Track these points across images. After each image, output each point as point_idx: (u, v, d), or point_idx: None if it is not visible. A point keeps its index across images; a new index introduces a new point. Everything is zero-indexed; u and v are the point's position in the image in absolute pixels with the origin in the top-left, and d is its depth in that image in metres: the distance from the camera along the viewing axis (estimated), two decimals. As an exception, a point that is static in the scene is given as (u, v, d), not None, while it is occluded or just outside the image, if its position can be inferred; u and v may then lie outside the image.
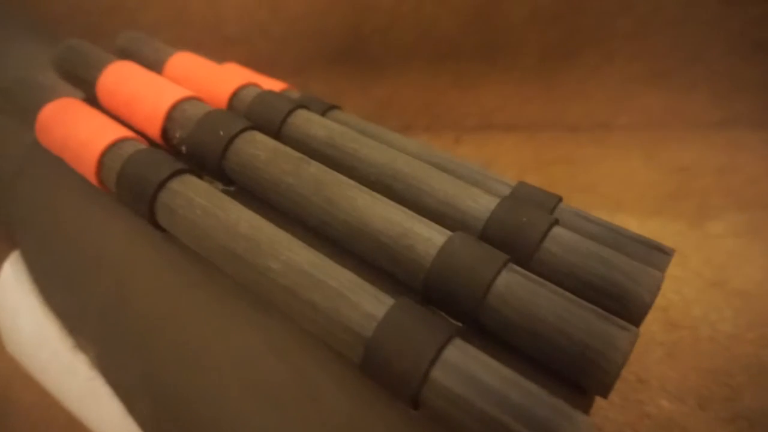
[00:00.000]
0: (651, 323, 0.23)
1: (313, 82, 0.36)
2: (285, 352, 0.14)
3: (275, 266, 0.14)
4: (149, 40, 0.23)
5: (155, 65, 0.22)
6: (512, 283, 0.13)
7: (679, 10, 0.29)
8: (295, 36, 0.34)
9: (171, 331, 0.16)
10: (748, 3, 0.28)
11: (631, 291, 0.14)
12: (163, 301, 0.16)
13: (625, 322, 0.13)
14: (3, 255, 0.21)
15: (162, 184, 0.16)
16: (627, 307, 0.14)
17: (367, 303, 0.13)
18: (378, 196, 0.15)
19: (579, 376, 0.13)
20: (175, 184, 0.16)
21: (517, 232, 0.15)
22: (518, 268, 0.14)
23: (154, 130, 0.18)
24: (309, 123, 0.19)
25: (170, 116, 0.18)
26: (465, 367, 0.12)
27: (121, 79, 0.19)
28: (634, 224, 0.25)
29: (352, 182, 0.16)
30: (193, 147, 0.17)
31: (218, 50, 0.34)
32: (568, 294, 0.13)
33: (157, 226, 0.16)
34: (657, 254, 0.16)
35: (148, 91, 0.18)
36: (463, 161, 0.19)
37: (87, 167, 0.17)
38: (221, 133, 0.17)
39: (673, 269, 0.17)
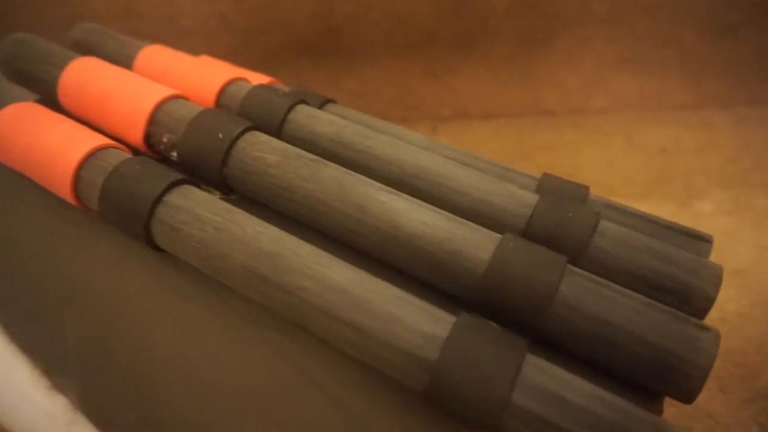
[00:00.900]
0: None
1: (279, 75, 0.34)
2: (322, 384, 0.13)
3: (308, 285, 0.12)
4: (111, 32, 0.20)
5: (123, 61, 0.19)
6: (578, 288, 0.12)
7: (652, -7, 0.29)
8: (260, 27, 0.32)
9: (177, 364, 0.14)
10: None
11: (693, 286, 0.13)
12: (164, 330, 0.14)
13: (702, 322, 0.12)
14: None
15: (158, 199, 0.13)
16: (689, 303, 0.13)
17: (426, 322, 0.11)
18: (411, 198, 0.14)
19: (659, 384, 0.12)
20: (174, 198, 0.14)
21: (563, 229, 0.14)
22: (578, 270, 0.13)
23: (135, 135, 0.16)
24: (313, 119, 0.17)
25: (154, 119, 0.16)
26: (547, 386, 0.10)
27: (88, 77, 0.16)
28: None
29: (378, 184, 0.14)
30: (187, 153, 0.15)
31: (173, 44, 0.31)
32: (636, 295, 0.12)
33: (153, 246, 0.14)
34: (698, 243, 0.15)
35: (124, 90, 0.16)
36: (476, 154, 0.18)
37: (59, 183, 0.15)
38: (220, 135, 0.15)
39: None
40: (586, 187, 0.17)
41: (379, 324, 0.11)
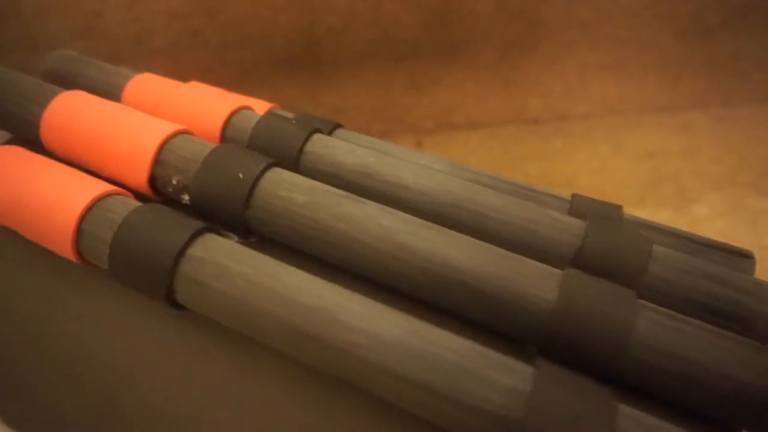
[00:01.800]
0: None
1: (256, 93, 0.32)
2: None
3: (361, 340, 0.11)
4: (91, 60, 0.18)
5: (109, 92, 0.17)
6: (652, 324, 0.11)
7: (636, -1, 0.29)
8: (235, 42, 0.30)
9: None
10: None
11: (755, 309, 0.13)
12: (188, 397, 0.13)
13: (781, 351, 0.11)
14: None
15: (181, 253, 0.12)
16: (752, 329, 0.13)
17: (503, 375, 0.10)
18: (457, 234, 0.13)
19: (740, 418, 0.11)
20: (197, 250, 0.12)
21: (618, 257, 0.13)
22: (648, 304, 0.12)
23: (137, 178, 0.14)
24: (332, 150, 0.16)
25: (160, 159, 0.14)
26: (644, 439, 0.10)
27: (77, 114, 0.15)
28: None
29: (420, 220, 0.13)
30: (202, 196, 0.14)
31: (142, 64, 0.29)
32: (707, 325, 0.12)
33: (174, 304, 0.12)
34: (741, 260, 0.15)
35: (121, 127, 0.14)
36: (498, 175, 0.17)
37: (57, 238, 0.13)
38: (240, 175, 0.13)
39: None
40: (619, 207, 0.16)
41: (451, 381, 0.10)
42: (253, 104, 0.19)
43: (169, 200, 0.14)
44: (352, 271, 0.13)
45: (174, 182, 0.14)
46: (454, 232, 0.13)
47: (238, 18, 0.29)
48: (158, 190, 0.14)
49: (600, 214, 0.16)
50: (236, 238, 0.14)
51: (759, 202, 0.28)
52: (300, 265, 0.12)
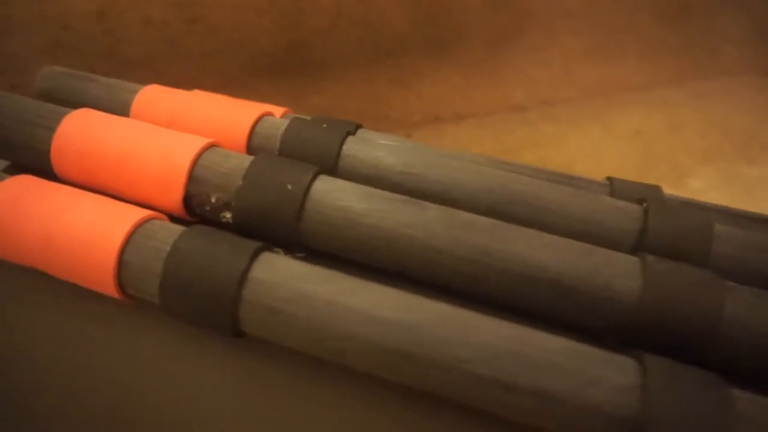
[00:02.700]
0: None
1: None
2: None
3: (467, 355, 0.10)
4: (88, 75, 0.17)
5: (116, 108, 0.16)
6: (740, 303, 0.11)
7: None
8: (215, 50, 0.29)
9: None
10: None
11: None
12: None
13: None
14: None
15: (244, 277, 0.11)
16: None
17: (615, 374, 0.10)
18: (528, 229, 0.12)
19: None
20: (261, 273, 0.11)
21: (682, 239, 0.13)
22: (730, 283, 0.12)
23: (170, 199, 0.13)
24: (372, 152, 0.15)
25: (195, 176, 0.13)
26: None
27: (94, 135, 0.13)
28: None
29: (489, 219, 0.12)
30: (248, 213, 0.12)
31: (116, 77, 0.27)
32: (791, 299, 0.12)
33: (237, 335, 0.11)
34: (786, 229, 0.15)
35: (147, 145, 0.13)
36: (532, 165, 0.17)
37: (96, 274, 0.11)
38: (289, 186, 0.12)
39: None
40: (659, 187, 0.16)
41: (566, 385, 0.10)
42: (266, 110, 0.17)
43: (204, 220, 0.13)
44: (419, 278, 0.13)
45: (213, 200, 0.13)
46: (527, 229, 0.12)
47: (219, 24, 0.27)
48: (192, 210, 0.13)
49: (641, 196, 0.16)
50: (282, 253, 0.13)
51: (750, 171, 0.29)
52: (362, 278, 0.11)
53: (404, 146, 0.15)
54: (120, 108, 0.16)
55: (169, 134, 0.13)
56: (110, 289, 0.12)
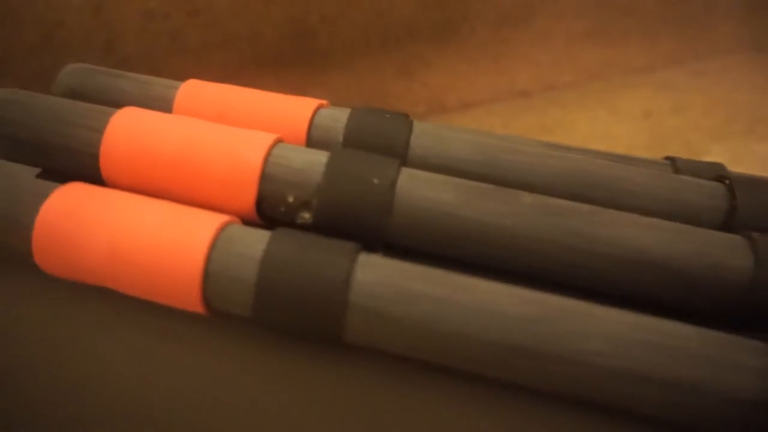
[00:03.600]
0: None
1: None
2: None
3: (598, 347, 0.10)
4: (116, 72, 0.15)
5: (151, 106, 0.14)
6: None
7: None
8: (217, 42, 0.27)
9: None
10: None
11: None
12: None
13: None
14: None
15: (347, 281, 0.10)
16: None
17: (748, 356, 0.10)
18: (625, 213, 0.12)
19: None
20: (365, 274, 0.10)
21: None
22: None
23: (243, 200, 0.12)
24: (440, 140, 0.14)
25: (268, 174, 0.12)
26: None
27: (150, 135, 0.12)
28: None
29: (584, 205, 0.12)
30: (333, 210, 0.12)
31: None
32: None
33: (337, 343, 0.11)
34: None
35: (210, 143, 0.12)
36: (588, 147, 0.17)
37: (177, 284, 0.10)
38: (375, 180, 0.12)
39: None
40: (722, 165, 0.16)
41: (704, 372, 0.09)
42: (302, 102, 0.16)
43: (274, 222, 0.12)
44: (512, 270, 0.12)
45: (290, 200, 0.12)
46: (624, 212, 0.12)
47: (223, 15, 0.26)
48: (264, 212, 0.12)
49: (704, 173, 0.15)
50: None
51: (760, 147, 0.29)
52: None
53: (470, 134, 0.14)
54: (159, 105, 0.14)
55: (231, 131, 0.12)
56: (194, 302, 0.10)
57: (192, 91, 0.14)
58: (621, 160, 0.16)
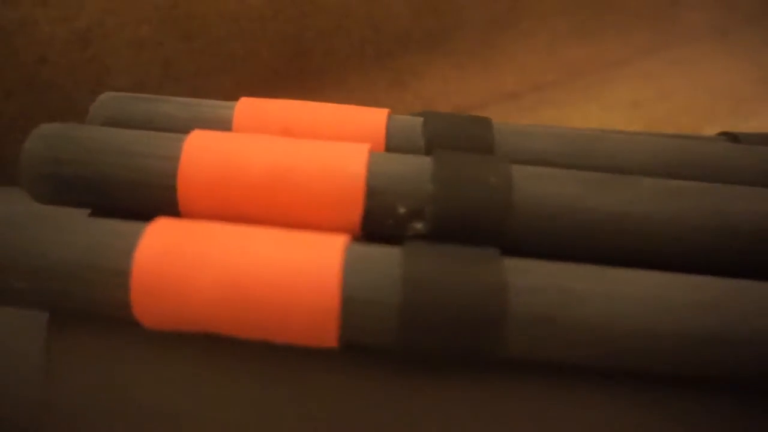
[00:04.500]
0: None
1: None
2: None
3: (777, 326, 0.09)
4: (156, 97, 0.14)
5: (206, 127, 0.13)
6: None
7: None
8: (210, 68, 0.26)
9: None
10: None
11: None
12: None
13: None
14: None
15: (504, 287, 0.09)
16: None
17: None
18: (743, 186, 0.12)
19: None
20: (519, 280, 0.09)
21: None
22: None
23: (347, 216, 0.11)
24: (523, 136, 0.13)
25: (373, 186, 0.11)
26: None
27: (231, 158, 0.11)
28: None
29: (695, 182, 0.12)
30: (450, 216, 0.11)
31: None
32: None
33: (487, 357, 0.10)
34: None
35: (299, 160, 0.11)
36: (647, 131, 0.16)
37: (311, 317, 0.09)
38: (492, 179, 0.11)
39: None
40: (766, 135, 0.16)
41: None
42: (370, 111, 0.15)
43: (395, 234, 0.11)
44: (640, 259, 0.11)
45: (401, 212, 0.11)
46: (734, 186, 0.12)
47: (218, 38, 0.25)
48: (369, 227, 0.11)
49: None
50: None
51: (749, 123, 0.31)
52: None
53: (549, 128, 0.14)
54: (215, 127, 0.13)
55: (319, 144, 0.11)
56: (329, 336, 0.09)
57: (249, 108, 0.13)
58: (676, 137, 0.16)
